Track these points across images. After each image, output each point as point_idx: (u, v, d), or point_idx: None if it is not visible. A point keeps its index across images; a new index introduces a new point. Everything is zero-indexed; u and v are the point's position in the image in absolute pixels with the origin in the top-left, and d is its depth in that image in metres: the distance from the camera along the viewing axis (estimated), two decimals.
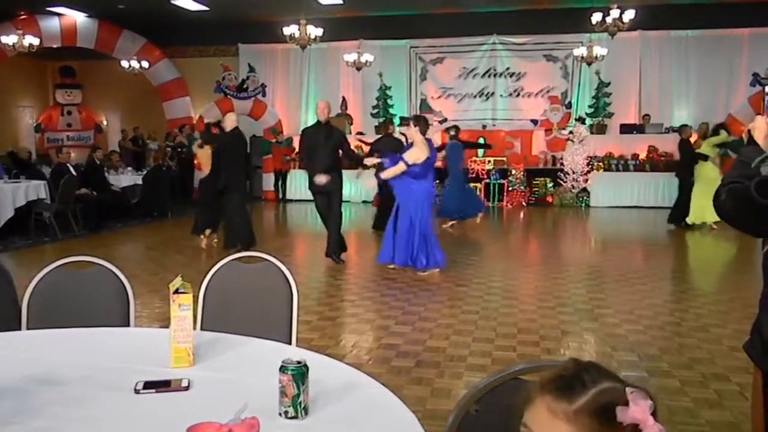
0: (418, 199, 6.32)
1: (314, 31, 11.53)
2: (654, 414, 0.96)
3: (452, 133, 9.79)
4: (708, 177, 9.14)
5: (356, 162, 7.62)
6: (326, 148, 6.75)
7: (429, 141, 6.49)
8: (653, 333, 4.57)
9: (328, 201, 6.89)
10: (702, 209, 9.31)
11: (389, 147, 8.71)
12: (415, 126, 6.33)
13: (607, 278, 6.45)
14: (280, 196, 13.77)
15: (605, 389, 0.98)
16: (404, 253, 6.34)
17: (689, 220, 9.65)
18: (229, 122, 7.73)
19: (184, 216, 11.25)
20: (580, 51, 12.28)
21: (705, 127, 10.24)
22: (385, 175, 6.38)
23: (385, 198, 9.81)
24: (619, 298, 5.62)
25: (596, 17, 10.83)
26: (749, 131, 1.86)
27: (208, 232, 8.04)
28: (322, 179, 6.61)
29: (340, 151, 6.94)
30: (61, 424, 1.41)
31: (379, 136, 10.19)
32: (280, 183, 13.81)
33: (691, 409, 3.28)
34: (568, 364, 1.04)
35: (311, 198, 7.22)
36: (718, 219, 9.57)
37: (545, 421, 0.98)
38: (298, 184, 13.50)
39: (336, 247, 7.01)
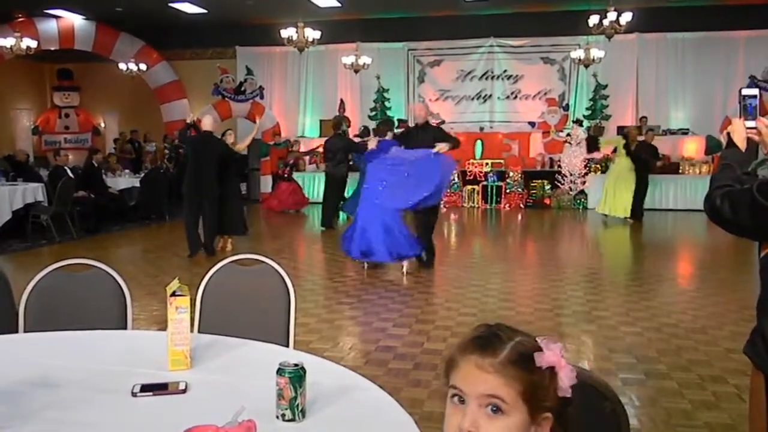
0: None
1: (312, 34, 11.54)
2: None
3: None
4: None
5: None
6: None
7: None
8: (650, 335, 4.58)
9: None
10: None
11: (338, 145, 9.86)
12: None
13: (605, 280, 6.46)
14: None
15: (520, 341, 1.10)
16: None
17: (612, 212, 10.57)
18: (204, 124, 7.67)
19: (182, 219, 11.23)
20: (578, 53, 12.31)
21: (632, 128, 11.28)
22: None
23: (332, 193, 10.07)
24: (616, 300, 5.63)
25: (593, 20, 10.87)
26: (728, 134, 1.88)
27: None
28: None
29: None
30: (57, 427, 1.41)
31: (329, 136, 10.54)
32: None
33: (688, 411, 3.28)
34: (479, 328, 1.15)
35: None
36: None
37: (474, 377, 1.07)
38: None
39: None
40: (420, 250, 6.64)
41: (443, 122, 13.66)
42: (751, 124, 1.84)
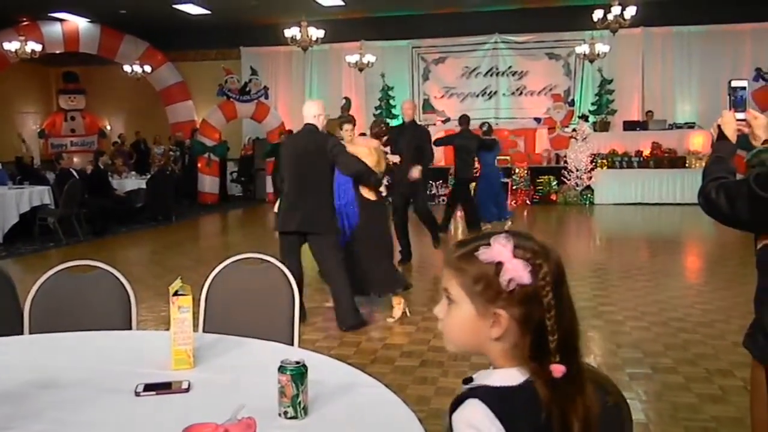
0: None
1: (315, 33, 11.54)
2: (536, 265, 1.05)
3: (484, 129, 9.61)
4: None
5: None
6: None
7: None
8: (657, 330, 4.56)
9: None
10: None
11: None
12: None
13: (612, 276, 6.43)
14: None
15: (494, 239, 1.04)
16: None
17: None
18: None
19: (189, 219, 11.30)
20: (582, 48, 12.25)
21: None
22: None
23: None
24: (623, 295, 5.60)
25: (598, 14, 10.81)
26: (719, 126, 1.87)
27: None
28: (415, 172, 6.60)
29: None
30: (60, 427, 1.42)
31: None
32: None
33: (695, 404, 3.26)
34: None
35: None
36: None
37: (445, 276, 1.10)
38: None
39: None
40: None
41: (448, 119, 13.66)
42: (740, 116, 1.84)
